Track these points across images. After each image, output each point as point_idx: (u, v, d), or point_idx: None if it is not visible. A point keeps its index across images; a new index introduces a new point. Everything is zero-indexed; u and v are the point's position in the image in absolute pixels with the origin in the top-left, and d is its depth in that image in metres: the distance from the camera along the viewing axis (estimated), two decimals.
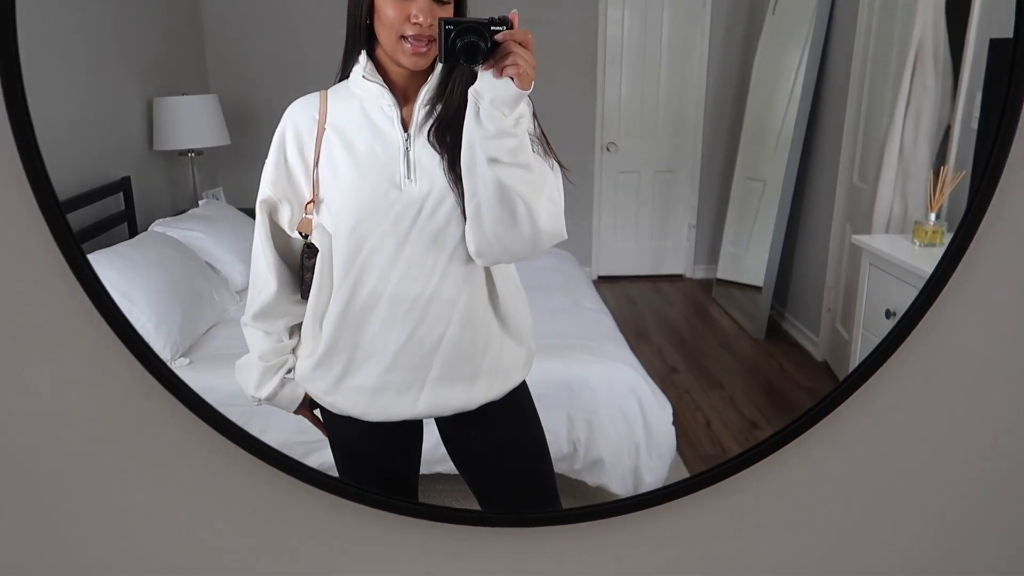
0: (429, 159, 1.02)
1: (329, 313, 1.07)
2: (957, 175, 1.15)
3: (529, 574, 1.05)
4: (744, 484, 0.99)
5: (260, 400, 1.12)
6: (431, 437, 1.18)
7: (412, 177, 1.02)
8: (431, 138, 1.02)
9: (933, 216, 1.14)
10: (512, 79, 0.90)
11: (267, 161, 1.08)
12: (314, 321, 1.09)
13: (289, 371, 1.14)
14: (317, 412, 1.18)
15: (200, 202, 1.42)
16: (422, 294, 1.05)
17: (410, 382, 1.09)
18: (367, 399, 1.10)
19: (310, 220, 1.06)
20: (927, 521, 1.05)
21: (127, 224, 1.29)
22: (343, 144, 1.04)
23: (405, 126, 1.04)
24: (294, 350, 1.15)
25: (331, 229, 1.06)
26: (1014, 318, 0.94)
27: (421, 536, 1.01)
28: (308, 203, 1.05)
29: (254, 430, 0.93)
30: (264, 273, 1.11)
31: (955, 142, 1.16)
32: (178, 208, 1.42)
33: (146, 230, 1.31)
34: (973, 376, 0.97)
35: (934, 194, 1.11)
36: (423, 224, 1.03)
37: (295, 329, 1.15)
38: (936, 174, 1.13)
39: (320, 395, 1.12)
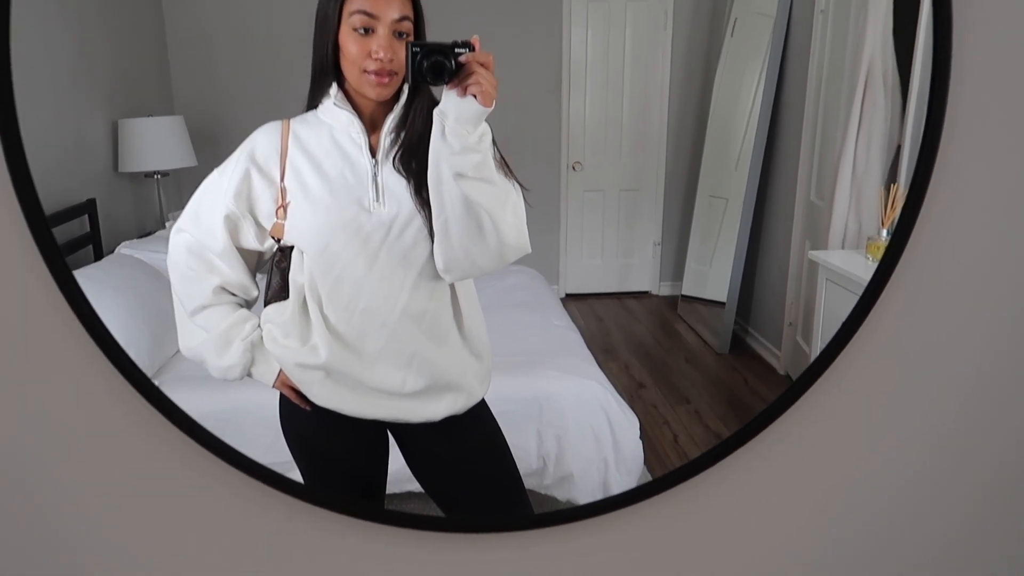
0: (396, 183, 1.07)
1: (313, 326, 1.09)
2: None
3: None
4: (704, 485, 1.03)
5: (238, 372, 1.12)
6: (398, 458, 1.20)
7: (380, 200, 1.07)
8: (397, 164, 1.07)
9: (885, 232, 1.19)
10: (475, 97, 0.96)
11: (226, 175, 1.09)
12: (301, 314, 1.11)
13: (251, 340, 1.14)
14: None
15: (166, 223, 1.41)
16: (393, 309, 1.08)
17: (384, 386, 1.11)
18: (344, 394, 1.12)
19: (282, 225, 1.08)
20: (875, 517, 1.10)
21: (92, 246, 1.28)
22: (312, 167, 1.07)
23: (373, 152, 1.08)
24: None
25: (301, 246, 1.08)
26: (946, 322, 1.00)
27: (388, 543, 1.03)
28: (279, 208, 1.08)
29: None
30: (219, 265, 1.10)
31: (905, 161, 1.20)
32: (144, 230, 1.41)
33: (112, 252, 1.30)
34: (912, 378, 1.03)
35: (886, 211, 1.15)
36: (391, 244, 1.07)
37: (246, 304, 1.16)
38: (888, 191, 1.17)
39: (298, 376, 1.13)
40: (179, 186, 1.43)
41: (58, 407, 0.95)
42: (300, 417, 1.15)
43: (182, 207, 1.38)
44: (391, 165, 1.07)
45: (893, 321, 0.98)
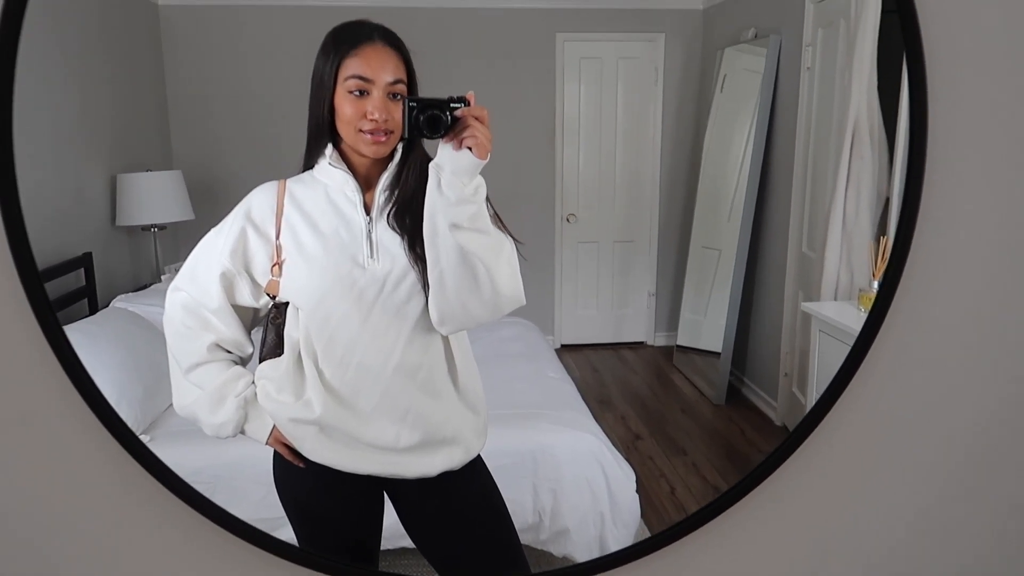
0: (390, 240, 1.08)
1: (308, 381, 1.09)
2: None
3: None
4: (703, 540, 1.02)
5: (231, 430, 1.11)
6: (392, 514, 1.18)
7: (375, 257, 1.07)
8: (391, 220, 1.08)
9: (876, 283, 1.19)
10: (471, 149, 0.97)
11: (223, 234, 1.10)
12: (296, 371, 1.11)
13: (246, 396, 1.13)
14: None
15: (162, 276, 1.42)
16: (387, 364, 1.08)
17: (379, 442, 1.11)
18: (339, 449, 1.11)
19: (277, 282, 1.09)
20: (874, 569, 1.09)
21: (87, 299, 1.28)
22: (308, 225, 1.08)
23: (367, 210, 1.09)
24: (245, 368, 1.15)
25: (297, 303, 1.09)
26: (938, 371, 1.00)
27: None
28: (274, 265, 1.08)
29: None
30: (215, 323, 1.11)
31: (894, 213, 1.22)
32: (140, 283, 1.41)
33: (107, 306, 1.30)
34: (908, 427, 1.03)
35: (876, 263, 1.16)
36: (385, 299, 1.07)
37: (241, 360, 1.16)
38: (877, 243, 1.19)
39: (292, 432, 1.12)
40: (176, 239, 1.44)
41: (44, 464, 0.93)
42: (294, 476, 1.14)
43: (179, 260, 1.38)
44: (385, 222, 1.08)
45: (885, 371, 0.99)
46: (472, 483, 1.18)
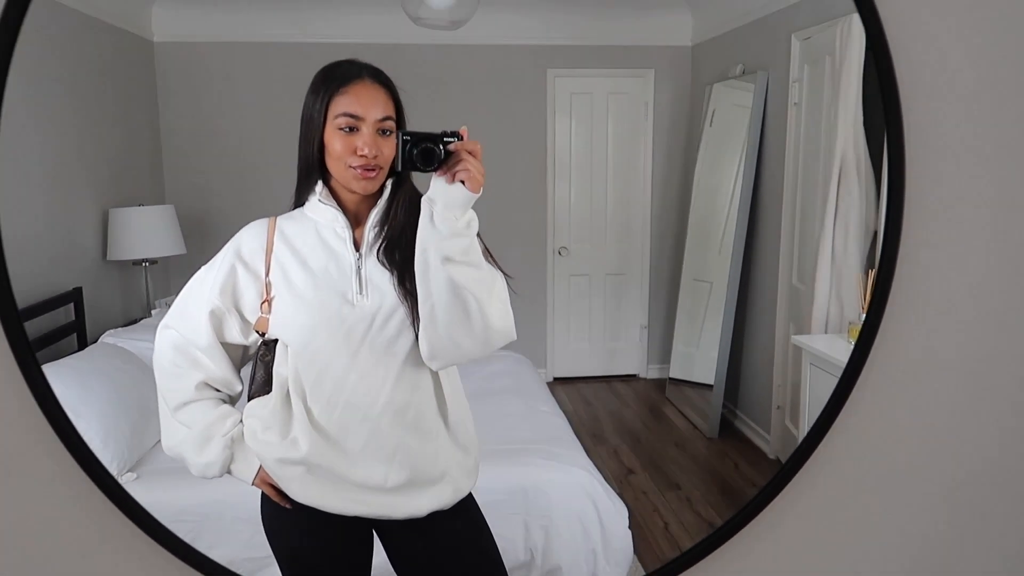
0: (380, 276, 1.07)
1: (295, 419, 1.08)
2: None
3: None
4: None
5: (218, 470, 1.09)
6: (381, 552, 1.16)
7: (364, 293, 1.07)
8: (381, 256, 1.08)
9: (865, 316, 1.19)
10: (463, 183, 0.98)
11: (212, 271, 1.10)
12: (283, 408, 1.10)
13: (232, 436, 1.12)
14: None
15: (153, 311, 1.41)
16: (375, 402, 1.07)
17: (367, 482, 1.09)
18: (326, 490, 1.09)
19: (267, 319, 1.08)
20: None
21: (76, 335, 1.27)
22: (298, 262, 1.08)
23: (357, 246, 1.09)
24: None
25: (285, 339, 1.08)
26: (925, 399, 1.01)
27: None
28: (263, 302, 1.08)
29: (202, 546, 0.90)
30: (204, 361, 1.10)
31: (881, 247, 1.22)
32: (130, 317, 1.41)
33: (96, 341, 1.29)
34: (900, 453, 1.03)
35: (865, 295, 1.16)
36: (374, 336, 1.06)
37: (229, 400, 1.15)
38: (866, 276, 1.19)
39: (278, 472, 1.10)
40: (167, 273, 1.44)
41: (20, 507, 0.91)
42: (282, 518, 1.12)
43: (170, 294, 1.38)
44: (375, 258, 1.08)
45: (874, 401, 0.99)
46: (462, 522, 1.16)
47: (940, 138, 0.94)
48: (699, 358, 1.68)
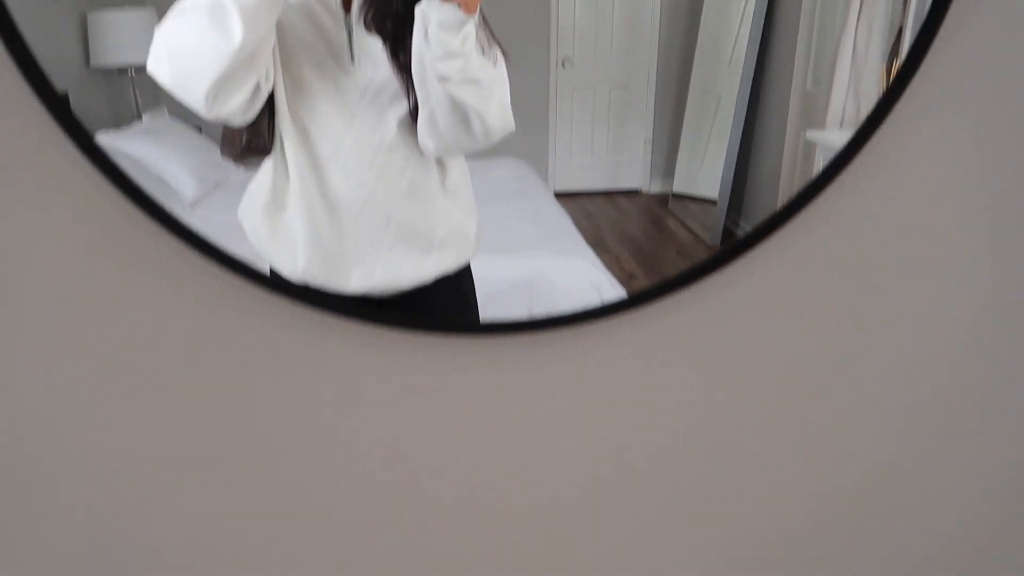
0: (372, 45, 1.06)
1: (291, 188, 1.11)
2: None
3: (511, 382, 1.17)
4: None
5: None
6: None
7: (355, 62, 1.06)
8: (369, 21, 1.06)
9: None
10: (459, 6, 0.96)
11: None
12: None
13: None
14: None
15: (144, 116, 1.37)
16: (372, 164, 1.09)
17: (364, 252, 1.13)
18: (325, 266, 1.12)
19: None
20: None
21: None
22: (288, 26, 1.05)
23: (347, 7, 1.07)
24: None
25: (279, 99, 1.08)
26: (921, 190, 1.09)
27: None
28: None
29: None
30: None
31: (906, 42, 1.17)
32: (120, 126, 1.37)
33: None
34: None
35: (886, 86, 1.13)
36: (368, 103, 1.07)
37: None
38: (888, 69, 1.16)
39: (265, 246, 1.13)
40: (155, 85, 1.39)
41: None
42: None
43: (158, 105, 1.34)
44: (363, 25, 1.06)
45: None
46: (456, 302, 1.20)
47: None
48: (704, 172, 1.67)
